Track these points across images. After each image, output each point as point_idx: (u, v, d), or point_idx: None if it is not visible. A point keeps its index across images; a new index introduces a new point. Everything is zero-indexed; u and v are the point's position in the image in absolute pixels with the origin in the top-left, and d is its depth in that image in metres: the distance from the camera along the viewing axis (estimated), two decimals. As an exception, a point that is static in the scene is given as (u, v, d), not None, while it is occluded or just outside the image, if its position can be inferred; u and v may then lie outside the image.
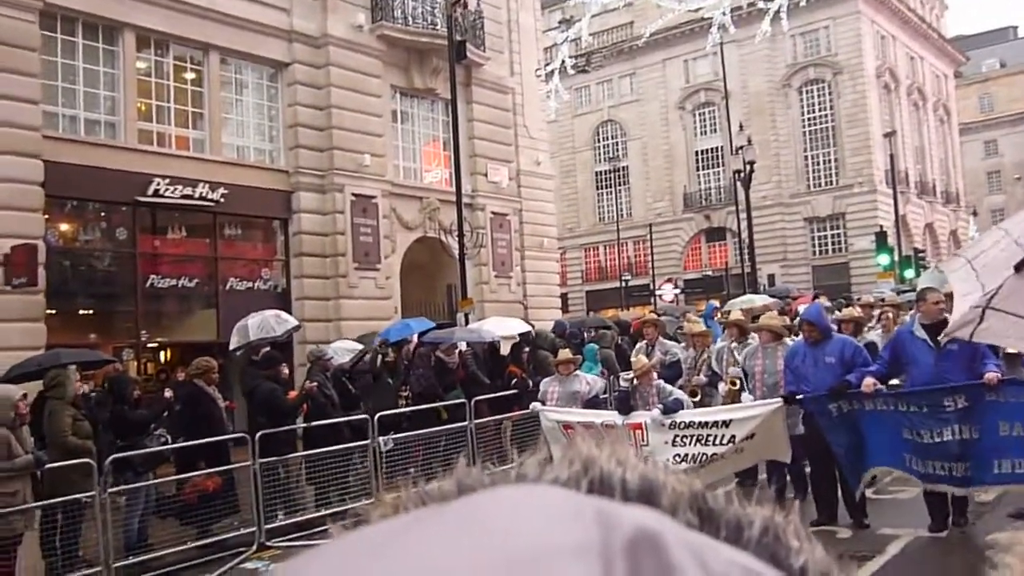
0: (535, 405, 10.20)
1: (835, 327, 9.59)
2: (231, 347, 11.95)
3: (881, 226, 37.20)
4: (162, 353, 18.86)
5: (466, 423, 12.22)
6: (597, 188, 54.07)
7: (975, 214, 58.60)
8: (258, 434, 9.86)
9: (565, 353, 10.69)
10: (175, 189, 17.15)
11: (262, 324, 11.76)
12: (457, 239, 18.54)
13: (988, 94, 79.02)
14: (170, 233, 18.19)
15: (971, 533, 7.88)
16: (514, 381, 13.76)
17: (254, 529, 9.68)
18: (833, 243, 46.83)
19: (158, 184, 16.87)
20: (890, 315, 11.63)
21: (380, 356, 13.23)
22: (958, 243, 54.46)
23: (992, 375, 7.28)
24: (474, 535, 0.39)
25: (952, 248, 53.41)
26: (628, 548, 0.37)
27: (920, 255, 36.36)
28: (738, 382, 9.48)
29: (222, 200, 17.92)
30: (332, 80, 19.93)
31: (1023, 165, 77.13)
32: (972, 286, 2.78)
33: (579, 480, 0.45)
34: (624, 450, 0.47)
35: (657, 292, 41.15)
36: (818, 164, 47.55)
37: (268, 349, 11.46)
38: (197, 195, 17.49)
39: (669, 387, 9.30)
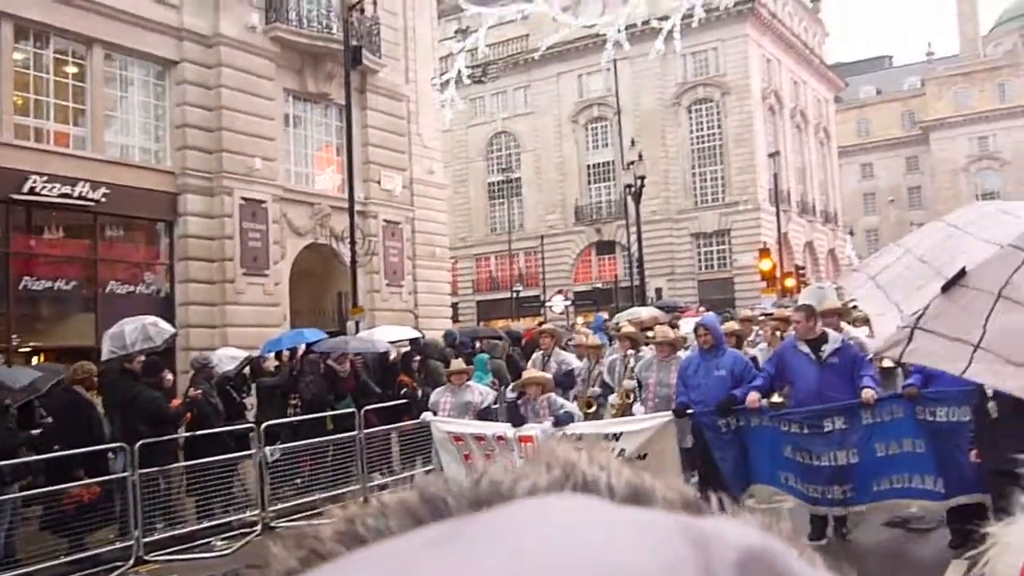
0: (426, 415, 10.12)
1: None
2: (103, 356, 11.41)
3: (764, 243, 38.33)
4: (35, 358, 18.02)
5: (355, 433, 12.05)
6: (490, 199, 54.27)
7: (852, 234, 61.02)
8: (138, 443, 9.49)
9: (458, 363, 10.65)
10: (53, 187, 16.46)
11: (140, 332, 11.30)
12: (349, 246, 18.32)
13: (865, 119, 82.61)
14: (47, 233, 17.43)
15: (850, 541, 8.13)
16: (404, 391, 13.64)
17: (132, 543, 9.32)
18: (718, 258, 48.07)
19: (35, 182, 16.16)
20: (773, 331, 11.93)
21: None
22: (836, 261, 56.60)
23: (869, 394, 7.55)
24: (533, 558, 0.33)
25: (830, 266, 55.48)
26: (739, 569, 0.33)
27: (800, 272, 37.61)
28: (631, 395, 9.57)
29: (103, 200, 17.28)
30: (223, 81, 19.47)
31: (896, 188, 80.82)
32: (884, 305, 2.84)
33: (561, 487, 0.40)
34: (604, 454, 0.43)
35: (548, 303, 41.49)
36: (705, 181, 48.79)
37: (151, 356, 11.05)
38: (77, 194, 16.83)
39: (560, 400, 9.32)
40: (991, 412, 6.62)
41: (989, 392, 6.33)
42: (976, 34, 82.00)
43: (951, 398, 7.22)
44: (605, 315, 23.26)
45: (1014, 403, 5.97)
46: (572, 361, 11.31)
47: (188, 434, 10.74)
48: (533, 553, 0.33)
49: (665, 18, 26.05)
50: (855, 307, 10.59)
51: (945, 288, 2.56)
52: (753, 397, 8.06)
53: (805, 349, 8.10)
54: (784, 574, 0.34)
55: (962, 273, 2.57)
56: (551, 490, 0.40)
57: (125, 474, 9.52)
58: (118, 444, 9.68)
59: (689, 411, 8.41)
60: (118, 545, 9.37)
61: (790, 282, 33.16)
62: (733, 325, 11.19)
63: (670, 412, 8.51)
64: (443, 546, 0.35)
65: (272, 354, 14.50)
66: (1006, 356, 2.49)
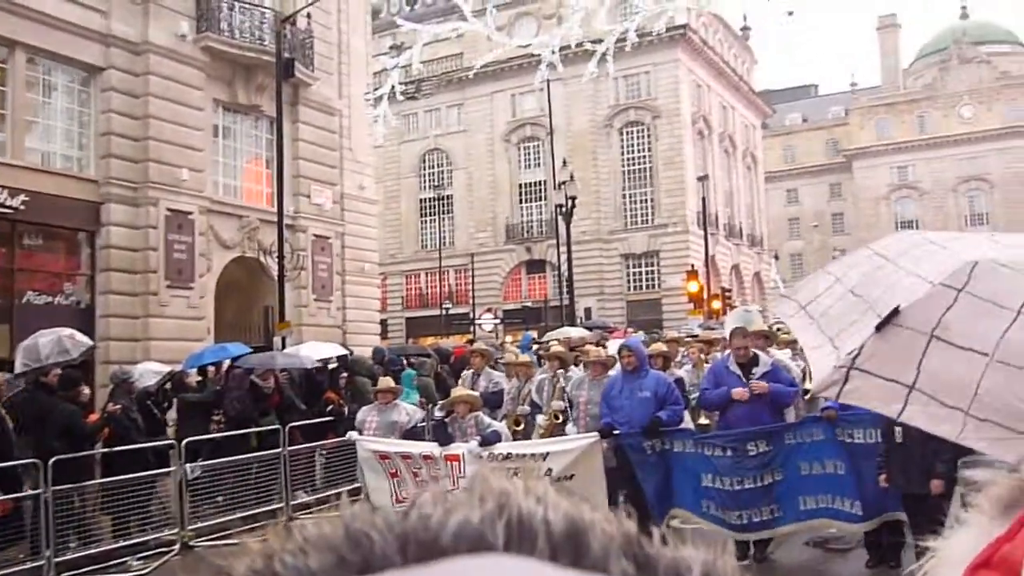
0: (352, 434, 10.01)
1: (643, 361, 9.87)
2: (16, 369, 11.03)
3: (692, 264, 38.86)
4: (-55, 369, 17.42)
5: (280, 450, 11.85)
6: (421, 215, 54.15)
7: (776, 257, 62.29)
8: (52, 459, 9.19)
9: (386, 381, 10.57)
10: (-31, 193, 15.95)
11: (55, 345, 10.95)
12: (277, 260, 18.08)
13: (791, 146, 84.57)
14: (-39, 240, 16.87)
15: (772, 561, 8.24)
16: (330, 408, 13.47)
17: (43, 562, 9.01)
18: (647, 279, 48.61)
19: (-50, 187, 15.65)
20: (697, 352, 12.09)
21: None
22: (762, 284, 57.64)
23: (830, 412, 7.67)
24: None
25: (756, 289, 56.46)
26: None
27: (727, 294, 38.19)
28: (560, 415, 9.56)
29: (22, 207, 16.77)
30: (151, 89, 19.09)
31: (820, 214, 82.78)
32: (818, 338, 2.84)
33: (494, 522, 0.37)
34: (540, 484, 0.40)
35: (477, 321, 41.46)
36: (635, 203, 49.37)
37: (69, 369, 10.73)
38: (-6, 201, 16.32)
39: (487, 419, 9.29)
40: (896, 436, 6.79)
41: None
42: (897, 66, 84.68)
43: (867, 420, 7.38)
44: (534, 334, 23.31)
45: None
46: (502, 381, 11.28)
47: (105, 450, 10.44)
48: None
49: (599, 41, 26.27)
50: (779, 330, 10.78)
51: (879, 327, 2.55)
52: (740, 391, 8.12)
53: (736, 371, 8.25)
54: None
55: (895, 312, 2.56)
56: (484, 525, 0.37)
57: (38, 491, 9.21)
58: (31, 460, 9.37)
59: (615, 431, 8.43)
60: (28, 565, 9.05)
61: (716, 304, 33.65)
62: (661, 347, 11.28)
63: (596, 433, 8.54)
64: None
65: (194, 369, 14.20)
66: (939, 398, 2.49)
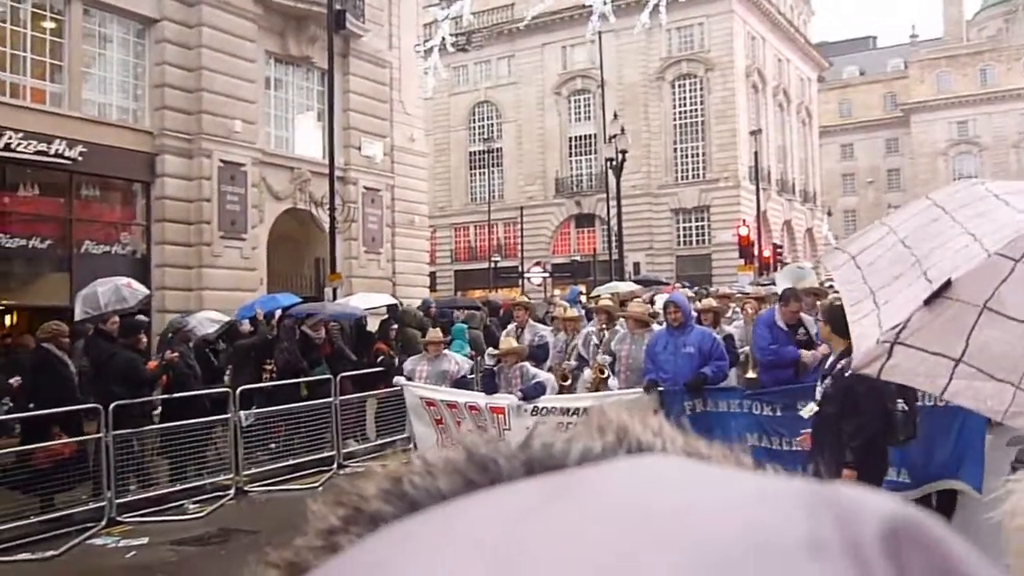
0: (399, 379, 10.15)
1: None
2: (76, 316, 11.33)
3: (743, 220, 38.47)
4: (8, 316, 17.90)
5: (331, 399, 12.06)
6: (470, 168, 54.05)
7: (829, 214, 61.27)
8: (112, 404, 9.46)
9: (435, 333, 10.67)
10: (29, 144, 16.25)
11: (113, 293, 11.21)
12: (328, 212, 18.23)
13: (847, 100, 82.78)
14: (21, 190, 17.20)
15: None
16: (381, 358, 13.64)
17: (104, 503, 9.31)
18: (697, 234, 48.18)
19: (10, 138, 15.95)
20: (749, 309, 12.00)
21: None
22: (813, 241, 56.89)
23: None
24: (651, 527, 0.29)
25: (808, 245, 55.77)
26: (886, 542, 0.29)
27: (778, 250, 37.79)
28: (606, 369, 9.58)
29: (80, 159, 17.08)
30: (204, 41, 19.23)
31: (875, 169, 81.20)
32: (860, 291, 2.76)
33: (615, 452, 0.38)
34: (655, 419, 0.41)
35: (526, 275, 41.50)
36: (686, 157, 48.80)
37: (130, 317, 10.98)
38: (53, 152, 16.62)
39: (534, 370, 9.34)
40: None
41: (818, 395, 6.18)
42: (960, 18, 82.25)
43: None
44: (581, 288, 23.31)
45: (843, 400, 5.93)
46: (547, 335, 11.30)
47: (164, 396, 10.71)
48: (668, 516, 0.30)
49: (651, -9, 25.98)
50: (831, 287, 10.67)
51: (928, 301, 2.46)
52: (811, 355, 8.08)
53: (783, 326, 8.23)
54: (938, 550, 0.30)
55: (947, 284, 2.46)
56: (606, 455, 0.38)
57: (99, 435, 9.49)
58: (93, 404, 9.65)
59: (659, 387, 8.41)
60: (91, 506, 9.36)
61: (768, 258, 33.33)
62: (711, 302, 11.24)
63: (640, 390, 8.52)
64: (559, 502, 0.32)
65: (247, 320, 14.41)
66: (988, 370, 2.41)
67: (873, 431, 5.79)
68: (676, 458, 0.38)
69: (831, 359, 6.35)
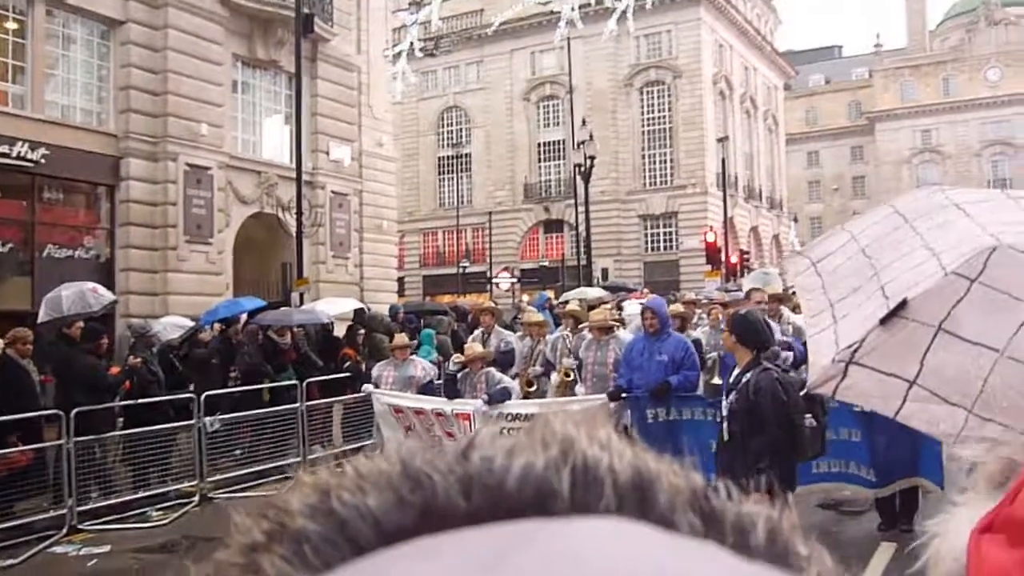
0: (367, 387, 10.12)
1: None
2: (40, 319, 11.22)
3: (711, 227, 38.70)
4: (-32, 321, 17.62)
5: (297, 405, 11.98)
6: (439, 173, 54.02)
7: (796, 220, 61.87)
8: (74, 411, 9.33)
9: (402, 338, 10.65)
10: (-10, 146, 16.03)
11: (77, 298, 11.11)
12: (295, 216, 18.13)
13: (813, 107, 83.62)
14: (-19, 193, 16.98)
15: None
16: (347, 364, 13.58)
17: (65, 511, 9.17)
18: (665, 240, 48.44)
19: (-29, 140, 15.73)
20: (718, 314, 12.08)
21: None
22: (780, 247, 57.37)
23: None
24: None
25: (774, 251, 56.24)
26: None
27: (745, 256, 38.07)
28: (572, 373, 9.59)
29: (42, 161, 16.84)
30: (169, 43, 19.05)
31: (840, 177, 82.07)
32: (819, 301, 2.74)
33: (559, 468, 0.35)
34: (603, 430, 0.38)
35: (494, 280, 41.49)
36: (654, 163, 49.06)
37: (90, 322, 10.85)
38: (15, 154, 16.37)
39: (499, 375, 9.34)
40: (724, 435, 6.24)
41: (724, 410, 6.12)
42: (923, 28, 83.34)
43: None
44: (549, 293, 23.35)
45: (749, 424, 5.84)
46: (512, 340, 11.29)
47: (127, 402, 10.58)
48: None
49: (620, -1, 26.10)
50: (795, 293, 10.75)
51: (884, 320, 2.42)
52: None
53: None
54: None
55: (903, 304, 2.42)
56: (548, 471, 0.35)
57: (60, 441, 9.36)
58: (53, 411, 9.51)
59: (623, 395, 8.42)
60: (51, 513, 9.23)
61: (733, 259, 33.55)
62: (678, 308, 11.29)
63: (604, 395, 8.53)
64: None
65: (214, 325, 14.28)
66: (941, 393, 2.39)
67: (780, 448, 5.71)
68: (627, 528, 0.34)
69: (736, 372, 6.21)
